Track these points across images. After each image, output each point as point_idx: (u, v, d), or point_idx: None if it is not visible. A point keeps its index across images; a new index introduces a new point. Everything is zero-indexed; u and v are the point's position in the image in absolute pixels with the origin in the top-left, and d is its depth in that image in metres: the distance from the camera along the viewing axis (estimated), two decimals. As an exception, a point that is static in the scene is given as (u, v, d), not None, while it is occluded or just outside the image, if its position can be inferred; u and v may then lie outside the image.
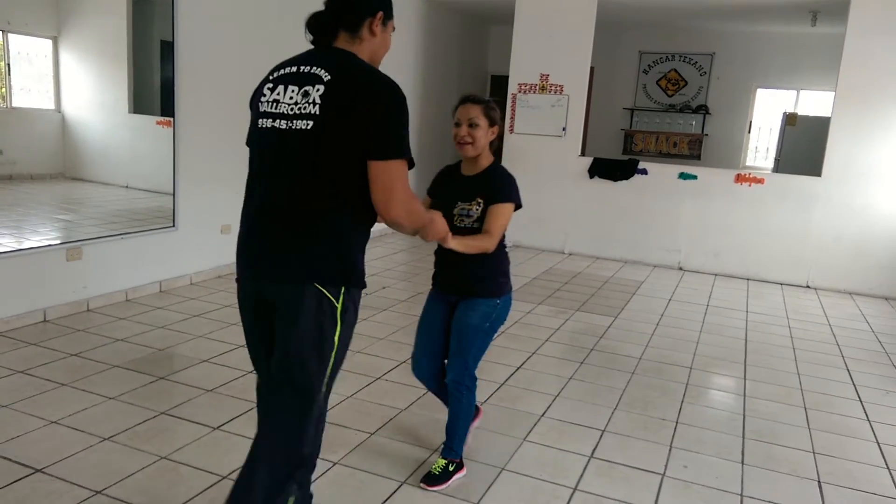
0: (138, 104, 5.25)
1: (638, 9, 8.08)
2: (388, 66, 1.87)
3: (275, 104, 1.78)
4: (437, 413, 3.01)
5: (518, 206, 2.46)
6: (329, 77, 1.72)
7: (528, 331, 4.56)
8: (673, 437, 3.11)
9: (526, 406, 3.33)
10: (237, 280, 1.92)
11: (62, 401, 3.03)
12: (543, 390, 3.56)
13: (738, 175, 6.78)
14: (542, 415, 3.25)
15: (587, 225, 7.33)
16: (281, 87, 1.79)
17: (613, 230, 7.24)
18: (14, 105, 4.57)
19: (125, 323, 4.15)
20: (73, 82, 4.84)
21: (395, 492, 2.50)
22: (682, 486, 2.68)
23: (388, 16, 1.89)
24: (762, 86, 9.42)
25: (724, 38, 9.27)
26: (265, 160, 1.82)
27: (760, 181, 6.70)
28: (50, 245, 4.20)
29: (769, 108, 9.58)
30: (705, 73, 9.48)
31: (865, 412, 3.59)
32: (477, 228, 2.41)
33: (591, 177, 7.21)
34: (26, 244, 4.14)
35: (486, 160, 2.48)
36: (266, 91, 1.83)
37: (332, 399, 3.25)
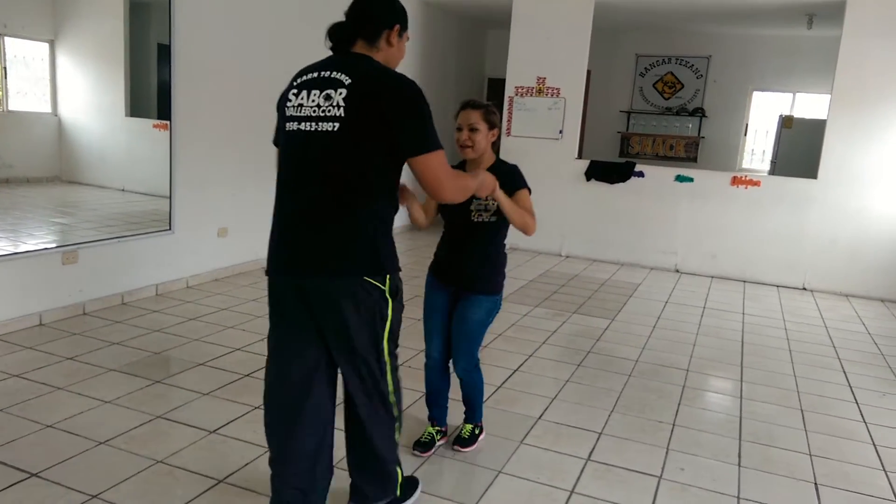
0: (135, 107, 5.24)
1: (634, 12, 8.10)
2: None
3: (299, 108, 1.91)
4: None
5: (530, 191, 2.63)
6: (350, 81, 1.85)
7: (524, 333, 4.56)
8: (670, 439, 3.11)
9: (523, 409, 3.33)
10: (266, 273, 2.03)
11: (58, 404, 3.03)
12: (540, 393, 3.56)
13: (735, 178, 6.80)
14: (539, 417, 3.25)
15: (584, 227, 7.34)
16: (304, 92, 1.91)
17: (610, 233, 7.24)
18: (10, 108, 4.56)
19: (121, 326, 4.14)
20: (69, 86, 4.83)
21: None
22: (679, 488, 2.69)
23: (404, 28, 2.02)
24: (758, 88, 9.45)
25: (721, 40, 9.30)
26: (295, 161, 1.95)
27: (757, 184, 6.71)
28: (46, 248, 4.20)
29: (765, 111, 9.61)
30: (702, 75, 9.51)
31: (862, 414, 3.59)
32: (494, 222, 2.57)
33: (588, 179, 7.22)
34: (22, 248, 4.13)
35: (490, 159, 2.62)
36: (291, 96, 1.96)
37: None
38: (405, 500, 2.33)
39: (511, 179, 2.55)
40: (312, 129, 1.87)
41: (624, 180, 7.09)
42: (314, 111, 1.86)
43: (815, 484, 2.80)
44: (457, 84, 9.34)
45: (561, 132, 7.26)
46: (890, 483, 2.86)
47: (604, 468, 2.80)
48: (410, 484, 2.40)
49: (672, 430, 3.21)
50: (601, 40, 8.23)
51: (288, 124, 1.95)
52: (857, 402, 3.75)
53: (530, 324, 4.80)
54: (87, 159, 5.06)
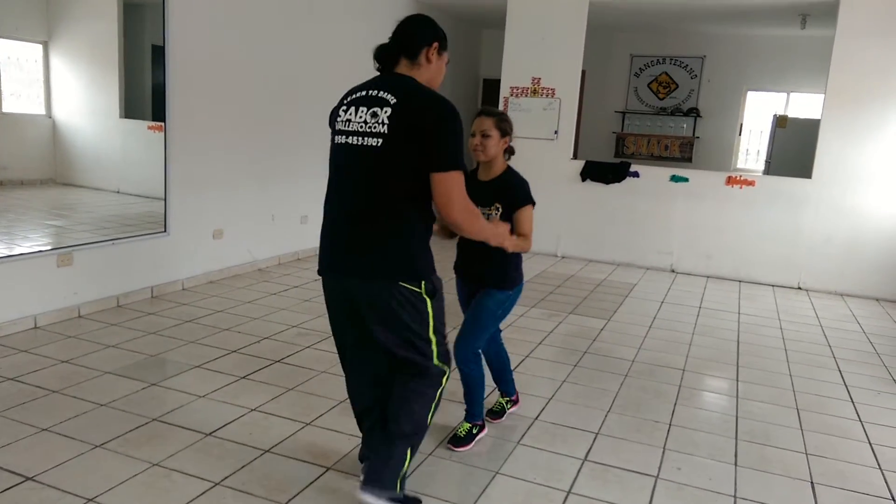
0: (129, 109, 5.22)
1: (629, 12, 8.12)
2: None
3: (347, 123, 2.11)
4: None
5: (534, 204, 2.78)
6: (395, 100, 2.03)
7: (521, 334, 4.57)
8: (666, 439, 3.12)
9: (520, 409, 3.33)
10: (319, 272, 2.25)
11: (53, 408, 3.01)
12: (537, 393, 3.56)
13: (730, 177, 6.82)
14: (536, 418, 3.25)
15: (580, 228, 7.35)
16: (353, 109, 2.11)
17: (606, 233, 7.26)
18: (4, 110, 4.54)
19: (116, 329, 4.13)
20: (63, 87, 4.81)
21: (388, 497, 2.50)
22: (676, 488, 2.69)
23: (443, 47, 2.21)
24: (752, 88, 9.48)
25: (715, 41, 9.33)
26: (342, 172, 2.15)
27: (751, 183, 6.74)
28: (40, 251, 4.18)
29: (760, 111, 9.64)
30: (696, 76, 9.54)
31: (857, 413, 3.61)
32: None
33: (584, 180, 7.23)
34: (17, 250, 4.11)
35: (500, 166, 2.79)
36: (341, 112, 2.15)
37: (333, 405, 3.24)
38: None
39: (518, 194, 2.73)
40: (359, 143, 2.06)
41: (619, 181, 7.11)
42: (361, 127, 2.05)
43: (812, 483, 2.81)
44: (451, 85, 9.34)
45: (556, 133, 7.27)
46: (886, 481, 2.88)
47: (601, 468, 2.80)
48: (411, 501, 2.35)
49: (668, 430, 3.21)
50: (596, 41, 8.24)
51: (337, 137, 2.15)
52: (852, 401, 3.77)
53: (527, 324, 4.80)
54: (81, 161, 5.04)
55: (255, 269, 5.82)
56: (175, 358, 3.73)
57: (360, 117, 2.06)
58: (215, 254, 5.39)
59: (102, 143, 5.18)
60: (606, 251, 7.29)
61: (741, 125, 9.61)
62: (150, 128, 4.98)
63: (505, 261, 2.78)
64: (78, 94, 5.02)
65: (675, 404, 3.54)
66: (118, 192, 5.29)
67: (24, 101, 4.76)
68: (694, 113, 9.56)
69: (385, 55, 2.17)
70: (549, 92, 7.27)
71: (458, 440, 2.88)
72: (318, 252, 2.27)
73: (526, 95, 7.37)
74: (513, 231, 2.66)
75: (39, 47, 4.67)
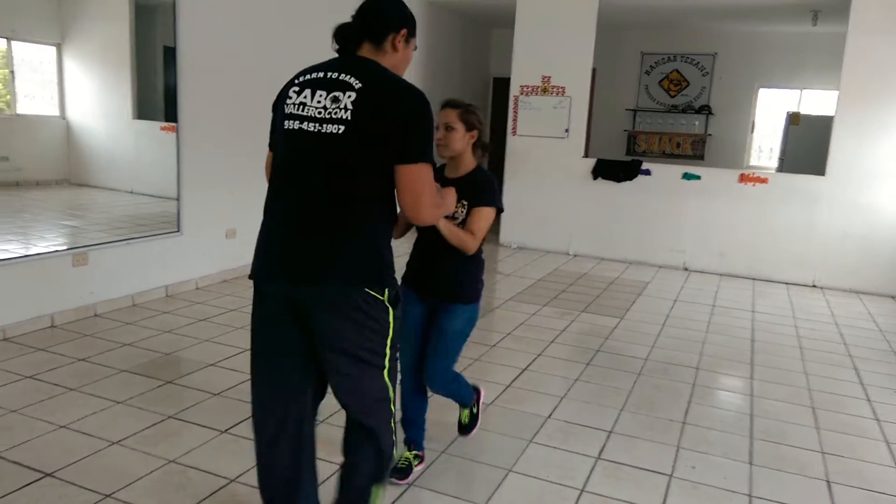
0: (142, 110, 5.26)
1: (639, 9, 8.08)
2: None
3: (301, 107, 1.83)
4: (433, 416, 3.01)
5: (500, 210, 2.51)
6: (360, 85, 1.78)
7: (533, 332, 4.56)
8: (680, 437, 3.10)
9: (532, 408, 3.33)
10: (251, 276, 1.93)
11: (70, 405, 3.05)
12: (549, 392, 3.55)
13: (742, 175, 6.77)
14: (549, 416, 3.25)
15: (592, 226, 7.33)
16: (308, 91, 1.84)
17: (618, 231, 7.23)
18: (19, 112, 4.59)
19: (132, 327, 4.16)
20: (77, 89, 4.86)
21: (402, 493, 2.51)
22: (690, 486, 2.68)
23: (412, 34, 1.96)
24: (765, 85, 9.41)
25: (726, 38, 9.27)
26: (293, 162, 1.86)
27: (764, 181, 6.69)
28: (56, 251, 4.22)
29: (772, 108, 9.57)
30: (707, 73, 9.48)
31: (874, 411, 3.58)
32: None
33: (595, 178, 7.20)
34: (33, 250, 4.16)
35: (469, 164, 2.51)
36: (292, 94, 1.87)
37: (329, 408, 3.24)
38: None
39: (478, 193, 2.45)
40: (315, 129, 1.79)
41: (631, 178, 7.08)
42: (320, 112, 1.79)
43: (828, 482, 2.79)
44: (461, 84, 9.34)
45: (567, 131, 7.25)
46: (903, 480, 2.85)
47: (614, 466, 2.79)
48: None
49: (682, 429, 3.20)
50: (606, 38, 8.20)
51: (287, 122, 1.85)
52: (868, 400, 3.74)
53: (539, 323, 4.80)
54: (95, 162, 5.09)
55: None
56: (190, 356, 3.75)
57: (319, 102, 1.80)
58: (229, 253, 5.42)
59: (116, 144, 5.22)
60: (618, 249, 7.27)
61: (753, 122, 9.55)
62: (162, 129, 5.02)
63: (473, 268, 2.54)
64: (91, 95, 5.07)
65: (689, 403, 3.52)
66: (132, 192, 5.34)
67: (39, 103, 4.82)
68: (706, 110, 9.50)
69: (346, 36, 1.93)
70: (560, 90, 7.25)
71: (464, 427, 2.87)
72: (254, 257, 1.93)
73: (536, 94, 7.35)
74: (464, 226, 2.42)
75: (53, 49, 4.72)
